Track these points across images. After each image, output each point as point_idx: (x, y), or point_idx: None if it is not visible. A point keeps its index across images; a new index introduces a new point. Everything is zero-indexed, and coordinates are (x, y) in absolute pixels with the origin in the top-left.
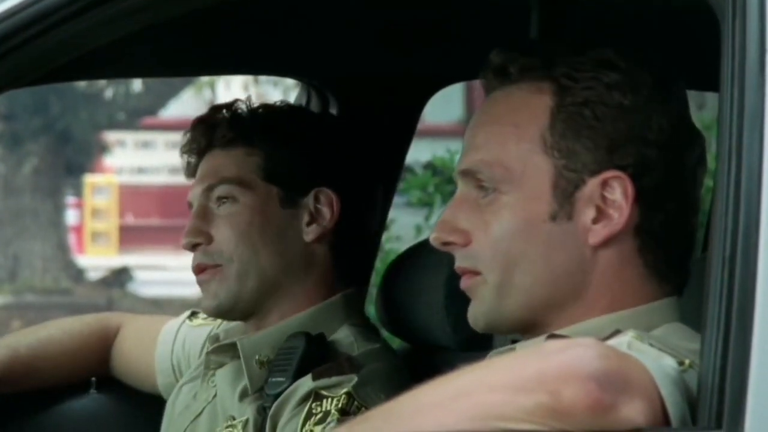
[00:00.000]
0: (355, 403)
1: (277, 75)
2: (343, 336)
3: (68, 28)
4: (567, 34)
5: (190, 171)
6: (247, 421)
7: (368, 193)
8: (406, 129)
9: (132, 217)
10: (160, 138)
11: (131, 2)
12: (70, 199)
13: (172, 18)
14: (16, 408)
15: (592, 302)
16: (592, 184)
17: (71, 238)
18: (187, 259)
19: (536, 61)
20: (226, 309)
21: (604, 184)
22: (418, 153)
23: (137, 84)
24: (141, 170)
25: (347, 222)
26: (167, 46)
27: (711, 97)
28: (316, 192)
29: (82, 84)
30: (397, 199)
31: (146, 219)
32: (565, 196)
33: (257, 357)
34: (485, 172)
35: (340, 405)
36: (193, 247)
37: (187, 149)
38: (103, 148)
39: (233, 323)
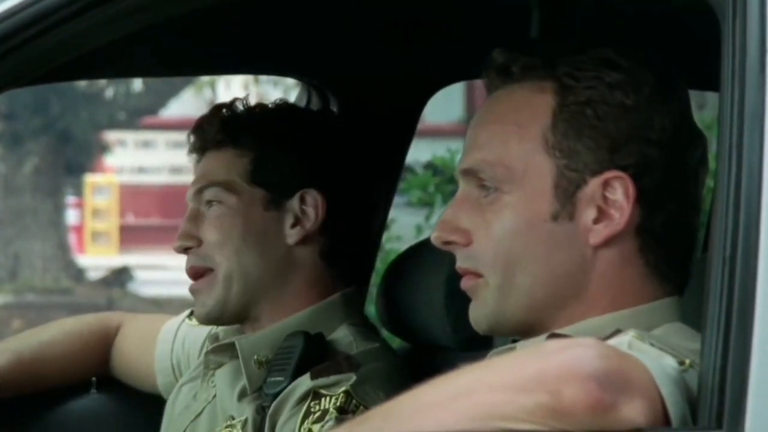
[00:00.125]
0: (354, 401)
1: (277, 75)
2: (342, 335)
3: (68, 28)
4: (567, 33)
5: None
6: (246, 420)
7: (362, 193)
8: (406, 128)
9: (132, 217)
10: (160, 138)
11: (131, 2)
12: (71, 199)
13: (172, 18)
14: (17, 408)
15: (592, 302)
16: (594, 184)
17: (72, 238)
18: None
19: (538, 61)
20: (215, 316)
21: (606, 184)
22: (419, 153)
23: (138, 84)
24: (141, 170)
25: (338, 223)
26: (167, 46)
27: (711, 97)
28: (302, 193)
29: (82, 83)
30: (397, 199)
31: (147, 219)
32: (567, 196)
33: (256, 357)
34: (487, 171)
35: (338, 404)
36: (184, 251)
37: (190, 150)
38: (104, 148)
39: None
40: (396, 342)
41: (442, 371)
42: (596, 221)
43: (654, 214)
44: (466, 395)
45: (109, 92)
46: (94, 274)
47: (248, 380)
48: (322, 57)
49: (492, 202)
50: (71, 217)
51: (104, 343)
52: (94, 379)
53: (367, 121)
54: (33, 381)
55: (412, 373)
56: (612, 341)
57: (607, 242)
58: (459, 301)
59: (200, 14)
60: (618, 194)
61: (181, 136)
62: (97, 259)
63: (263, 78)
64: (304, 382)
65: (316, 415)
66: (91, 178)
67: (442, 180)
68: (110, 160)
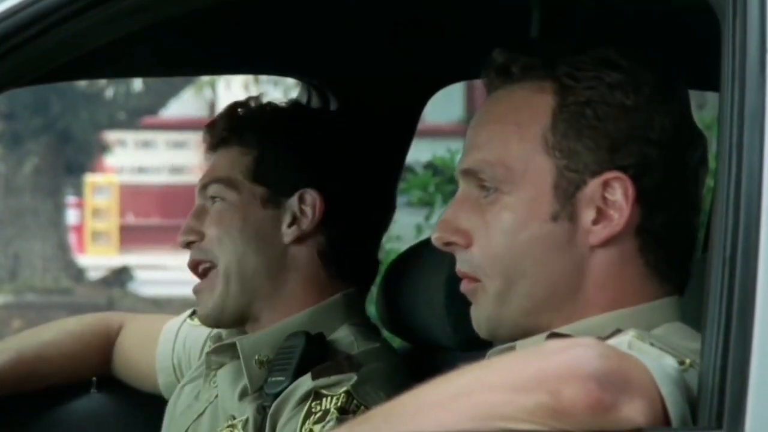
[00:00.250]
0: (355, 401)
1: (277, 74)
2: (343, 335)
3: (68, 28)
4: (567, 33)
5: None
6: (247, 420)
7: (362, 193)
8: (406, 128)
9: (132, 217)
10: (160, 137)
11: (131, 2)
12: (71, 199)
13: (172, 18)
14: (17, 408)
15: (591, 302)
16: (593, 185)
17: (72, 238)
18: (187, 258)
19: (538, 61)
20: (215, 317)
21: (605, 184)
22: (419, 153)
23: (138, 83)
24: (141, 170)
25: (337, 223)
26: (167, 46)
27: (711, 97)
28: (301, 193)
29: (82, 83)
30: (397, 199)
31: (147, 219)
32: (567, 196)
33: (257, 357)
34: (487, 171)
35: (339, 404)
36: (187, 245)
37: (204, 148)
38: (104, 148)
39: None
40: (396, 342)
41: (442, 371)
42: (595, 222)
43: (654, 214)
44: (467, 395)
45: (109, 92)
46: (94, 274)
47: (249, 380)
48: (322, 57)
49: (492, 202)
50: (71, 217)
51: (105, 343)
52: (94, 378)
53: (367, 121)
54: (33, 380)
55: (412, 373)
56: (612, 341)
57: (607, 243)
58: (459, 302)
59: (200, 14)
60: (617, 195)
61: (181, 136)
62: (97, 259)
63: (264, 77)
64: (305, 382)
65: (318, 415)
66: (91, 178)
67: (442, 180)
68: (110, 160)
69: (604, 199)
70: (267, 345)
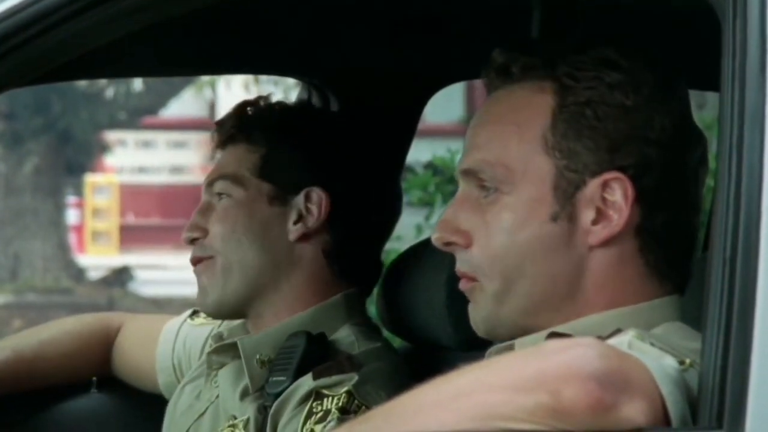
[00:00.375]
0: (356, 401)
1: (277, 74)
2: (344, 335)
3: (68, 28)
4: (568, 33)
5: None
6: (248, 420)
7: (366, 193)
8: (406, 128)
9: (132, 217)
10: (160, 137)
11: (131, 2)
12: (71, 199)
13: (172, 18)
14: (17, 407)
15: (591, 301)
16: (593, 185)
17: (72, 238)
18: (188, 258)
19: (538, 61)
20: (214, 307)
21: (605, 185)
22: (419, 153)
23: (138, 83)
24: (142, 170)
25: (342, 221)
26: (167, 46)
27: (712, 97)
28: (307, 191)
29: (82, 83)
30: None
31: (147, 218)
32: (566, 197)
33: (258, 356)
34: (487, 171)
35: (340, 404)
36: (191, 242)
37: (213, 145)
38: (104, 148)
39: (236, 322)
40: (397, 342)
41: (443, 371)
42: (595, 222)
43: (654, 214)
44: (467, 395)
45: (110, 92)
46: (94, 274)
47: (250, 380)
48: (322, 57)
49: (492, 202)
50: (71, 216)
51: (105, 343)
52: (94, 378)
53: (368, 120)
54: (32, 379)
55: (413, 373)
56: (612, 341)
57: (606, 243)
58: (460, 301)
59: (200, 14)
60: (617, 195)
61: (182, 136)
62: (97, 259)
63: (264, 77)
64: (306, 382)
65: (319, 415)
66: (91, 178)
67: (443, 180)
68: (110, 159)
69: (604, 199)
70: (268, 345)
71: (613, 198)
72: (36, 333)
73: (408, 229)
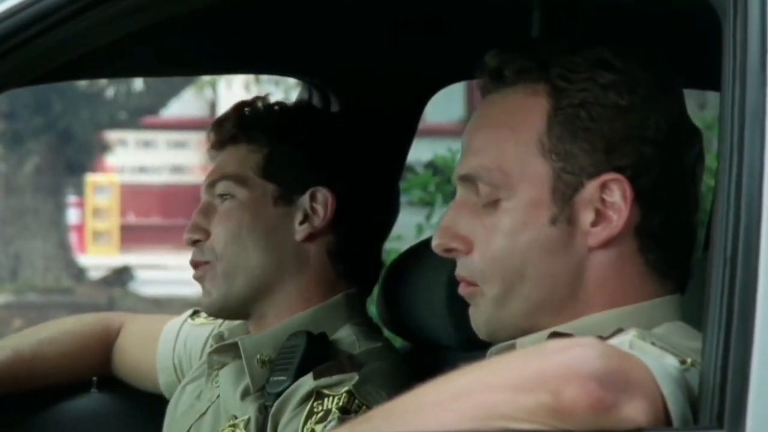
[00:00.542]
0: (356, 401)
1: (278, 74)
2: (345, 335)
3: (69, 28)
4: (568, 33)
5: None
6: (248, 420)
7: (369, 193)
8: (407, 128)
9: (133, 217)
10: (161, 137)
11: (131, 2)
12: (72, 198)
13: (172, 18)
14: (18, 407)
15: (591, 302)
16: (591, 187)
17: (72, 237)
18: (188, 258)
19: (531, 63)
20: (217, 307)
21: (603, 186)
22: (420, 152)
23: (138, 83)
24: (142, 169)
25: (347, 221)
26: (168, 46)
27: (712, 96)
28: (312, 191)
29: (83, 83)
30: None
31: (147, 218)
32: (565, 199)
33: (259, 356)
34: (485, 177)
35: (341, 403)
36: (193, 243)
37: (210, 146)
38: (105, 148)
39: (236, 322)
40: (398, 341)
41: (443, 371)
42: (594, 224)
43: (652, 214)
44: (467, 395)
45: (110, 92)
46: (94, 274)
47: (251, 380)
48: (322, 56)
49: (490, 207)
50: (72, 216)
51: (105, 343)
52: (95, 378)
53: (368, 120)
54: (32, 378)
55: (414, 373)
56: (613, 340)
57: (606, 244)
58: (460, 301)
59: (200, 14)
60: (615, 196)
61: (182, 136)
62: (97, 259)
63: (265, 77)
64: (307, 382)
65: (319, 415)
66: (91, 178)
67: (443, 179)
68: (111, 159)
69: (602, 200)
70: (269, 345)
71: (611, 199)
72: (36, 332)
73: (408, 229)
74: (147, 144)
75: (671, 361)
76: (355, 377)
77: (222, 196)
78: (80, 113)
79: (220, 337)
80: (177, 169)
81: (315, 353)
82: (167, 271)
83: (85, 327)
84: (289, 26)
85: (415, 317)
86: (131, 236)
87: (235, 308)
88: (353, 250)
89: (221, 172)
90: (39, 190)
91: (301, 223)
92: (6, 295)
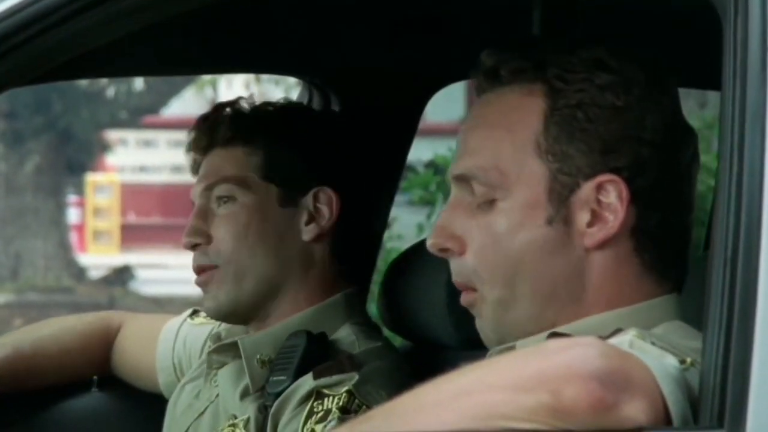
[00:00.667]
0: (356, 401)
1: (278, 73)
2: (345, 335)
3: (68, 27)
4: (568, 32)
5: (195, 169)
6: (248, 419)
7: (369, 192)
8: (407, 127)
9: (133, 216)
10: (161, 136)
11: (131, 2)
12: (72, 198)
13: (172, 17)
14: (18, 406)
15: (590, 303)
16: (587, 188)
17: (73, 237)
18: (189, 257)
19: (527, 63)
20: (226, 312)
21: (599, 187)
22: (420, 152)
23: (139, 82)
24: (142, 169)
25: (347, 221)
26: (168, 45)
27: (713, 96)
28: (315, 191)
29: (83, 82)
30: (398, 198)
31: (148, 218)
32: (561, 200)
33: (258, 356)
34: (480, 177)
35: (341, 403)
36: (193, 247)
37: (190, 147)
38: (105, 147)
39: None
40: (398, 341)
41: (444, 370)
42: (590, 225)
43: (648, 214)
44: (468, 395)
45: (111, 91)
46: (95, 273)
47: (251, 379)
48: (323, 56)
49: (486, 207)
50: (72, 216)
51: (105, 342)
52: (95, 377)
53: (369, 120)
54: (31, 377)
55: (414, 372)
56: (613, 340)
57: (602, 244)
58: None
59: (200, 14)
60: (612, 197)
61: (183, 136)
62: (98, 258)
63: (265, 77)
64: (307, 382)
65: (319, 415)
66: (92, 177)
67: (443, 179)
68: (111, 159)
69: (599, 201)
70: (269, 344)
71: (608, 200)
72: (36, 330)
73: (409, 228)
74: (147, 143)
75: (671, 361)
76: (355, 377)
77: (220, 198)
78: (80, 113)
79: (217, 337)
80: (177, 169)
81: (315, 353)
82: (167, 270)
83: (85, 326)
84: (289, 26)
85: (416, 316)
86: (131, 236)
87: (243, 311)
88: (354, 249)
89: (220, 175)
90: (39, 190)
91: (308, 223)
92: (7, 295)
